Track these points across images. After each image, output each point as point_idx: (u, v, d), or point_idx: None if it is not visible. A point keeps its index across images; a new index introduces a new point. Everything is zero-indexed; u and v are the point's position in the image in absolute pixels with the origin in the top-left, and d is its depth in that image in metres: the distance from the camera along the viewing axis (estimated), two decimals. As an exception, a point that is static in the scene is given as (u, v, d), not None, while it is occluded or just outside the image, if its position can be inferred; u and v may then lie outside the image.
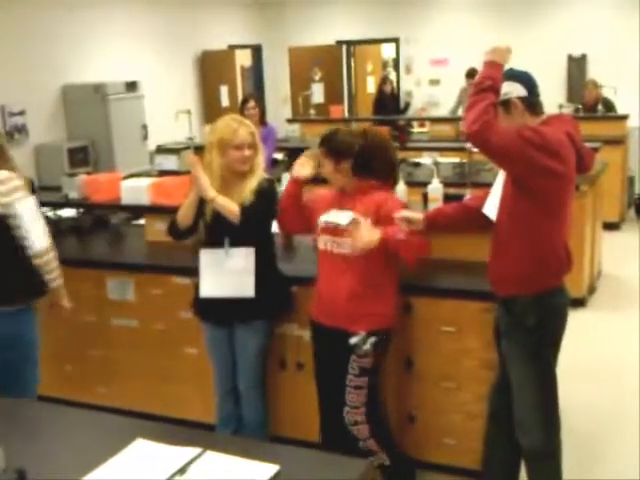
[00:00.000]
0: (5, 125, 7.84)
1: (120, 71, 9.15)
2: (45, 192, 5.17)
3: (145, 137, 9.09)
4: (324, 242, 3.25)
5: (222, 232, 3.34)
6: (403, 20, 12.37)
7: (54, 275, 3.38)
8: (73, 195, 4.89)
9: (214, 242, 3.40)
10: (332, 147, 3.23)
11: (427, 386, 3.52)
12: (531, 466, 3.06)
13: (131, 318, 4.19)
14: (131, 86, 8.87)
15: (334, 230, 3.16)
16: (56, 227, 4.91)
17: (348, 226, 3.05)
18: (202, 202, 3.38)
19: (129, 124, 8.79)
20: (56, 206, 5.12)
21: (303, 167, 3.36)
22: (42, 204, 4.74)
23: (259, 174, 3.38)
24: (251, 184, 3.33)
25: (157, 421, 3.13)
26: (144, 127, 9.06)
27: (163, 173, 6.48)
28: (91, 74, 8.84)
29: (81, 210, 5.07)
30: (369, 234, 2.99)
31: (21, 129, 8.07)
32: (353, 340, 3.10)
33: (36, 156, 8.23)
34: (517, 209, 2.82)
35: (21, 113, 8.05)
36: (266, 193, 3.36)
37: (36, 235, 3.29)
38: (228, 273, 3.36)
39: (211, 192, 3.29)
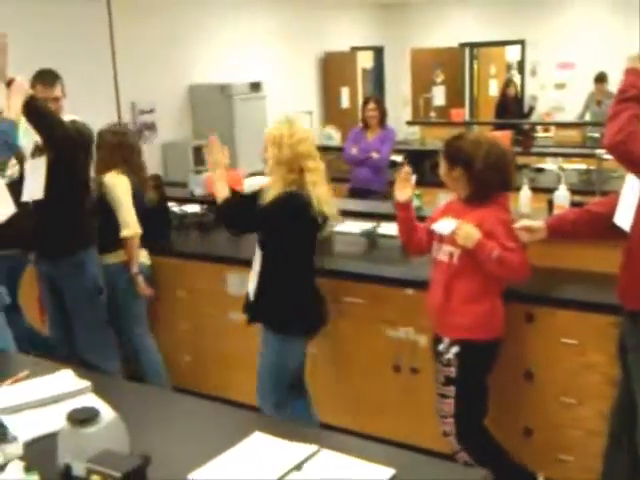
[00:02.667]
0: (135, 122, 8.20)
1: (244, 72, 9.37)
2: (172, 188, 5.33)
3: (267, 137, 9.25)
4: (434, 249, 3.24)
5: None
6: (529, 21, 12.08)
7: None
8: (198, 192, 5.04)
9: None
10: (448, 151, 3.17)
11: (546, 399, 3.41)
12: (654, 488, 2.93)
13: (249, 313, 4.26)
14: (255, 87, 9.06)
15: (440, 237, 3.14)
16: (181, 222, 5.09)
17: (449, 235, 3.04)
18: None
19: (252, 124, 8.97)
20: (182, 201, 5.29)
21: (402, 190, 3.31)
22: (169, 199, 4.95)
23: (277, 191, 3.25)
24: (271, 192, 3.28)
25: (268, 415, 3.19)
26: (266, 127, 9.22)
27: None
28: (217, 75, 9.09)
29: (205, 206, 5.21)
30: (470, 230, 2.98)
31: (150, 126, 8.41)
32: (439, 347, 3.15)
33: (164, 153, 8.55)
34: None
35: (151, 111, 8.39)
36: (276, 203, 3.24)
37: None
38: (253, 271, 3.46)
39: (214, 169, 3.37)
